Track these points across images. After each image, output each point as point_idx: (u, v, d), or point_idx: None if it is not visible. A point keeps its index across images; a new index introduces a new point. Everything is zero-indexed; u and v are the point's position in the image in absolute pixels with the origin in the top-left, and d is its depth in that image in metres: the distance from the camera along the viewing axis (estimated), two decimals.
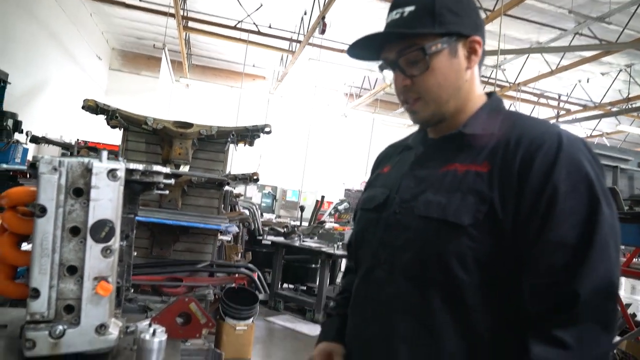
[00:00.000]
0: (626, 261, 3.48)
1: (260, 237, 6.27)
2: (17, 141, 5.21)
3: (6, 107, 5.49)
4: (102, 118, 3.92)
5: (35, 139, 5.08)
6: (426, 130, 1.03)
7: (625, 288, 6.90)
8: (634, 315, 4.40)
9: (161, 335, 1.21)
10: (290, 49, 10.14)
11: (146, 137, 3.89)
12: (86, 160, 1.19)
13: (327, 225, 7.59)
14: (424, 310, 0.86)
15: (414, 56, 0.91)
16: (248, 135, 3.84)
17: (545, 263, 0.79)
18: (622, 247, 3.56)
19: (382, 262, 0.93)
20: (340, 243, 5.90)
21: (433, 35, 0.90)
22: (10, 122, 5.18)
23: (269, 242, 6.32)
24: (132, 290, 1.53)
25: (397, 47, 0.93)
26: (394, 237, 0.92)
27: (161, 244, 4.16)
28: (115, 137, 4.56)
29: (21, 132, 5.33)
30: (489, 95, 1.00)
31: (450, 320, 0.84)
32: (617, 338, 3.09)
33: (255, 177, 3.84)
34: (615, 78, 10.56)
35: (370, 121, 13.93)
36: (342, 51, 9.55)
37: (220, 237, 4.62)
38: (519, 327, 0.81)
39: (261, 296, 4.42)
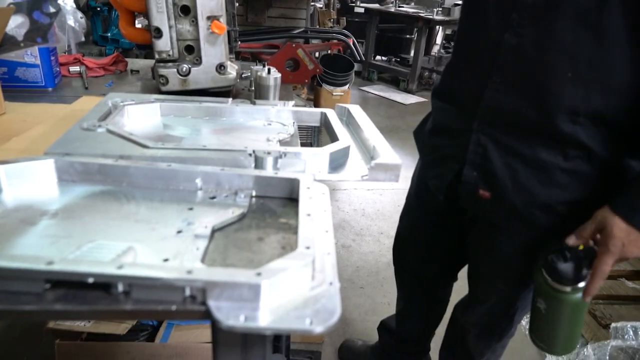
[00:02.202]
0: None
1: (353, 4, 5.92)
2: None
3: None
4: None
5: None
6: None
7: None
8: None
9: (276, 74, 1.27)
10: None
11: None
12: None
13: None
14: (595, 15, 0.73)
15: None
16: None
17: None
18: None
19: None
20: (441, 8, 5.41)
21: None
22: None
23: (362, 10, 5.97)
24: (237, 47, 1.56)
25: None
26: None
27: (255, 9, 4.11)
28: None
29: None
30: None
31: (626, 28, 0.73)
32: None
33: None
34: None
35: None
36: None
37: (312, 3, 4.42)
38: None
39: (356, 66, 4.40)
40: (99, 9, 4.12)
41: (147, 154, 0.80)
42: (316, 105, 3.94)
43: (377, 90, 5.78)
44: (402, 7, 5.87)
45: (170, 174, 0.74)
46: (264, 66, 1.32)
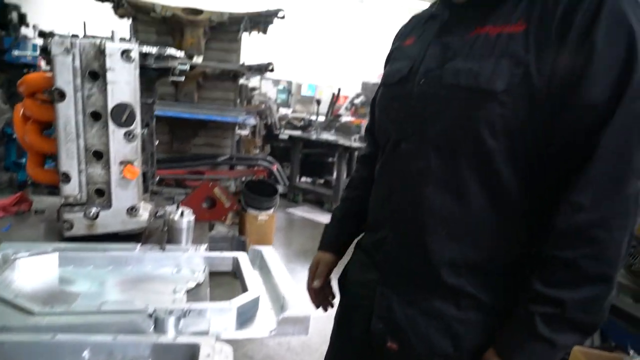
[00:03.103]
0: None
1: (278, 132, 6.29)
2: (25, 37, 5.06)
3: None
4: (109, 9, 3.74)
5: (43, 34, 4.91)
6: None
7: None
8: None
9: (189, 216, 1.26)
10: None
11: (156, 27, 3.73)
12: (98, 40, 1.14)
13: (344, 119, 7.53)
14: (454, 180, 0.84)
15: None
16: (261, 21, 3.64)
17: (569, 126, 0.75)
18: None
19: (410, 135, 0.90)
20: (358, 136, 5.89)
21: None
22: (14, 15, 4.98)
23: (287, 137, 6.34)
24: (157, 179, 1.57)
25: None
26: (421, 108, 0.88)
27: (181, 139, 4.21)
28: (124, 31, 4.39)
29: (27, 26, 5.16)
30: None
31: (481, 188, 0.83)
32: None
33: (270, 67, 3.73)
34: None
35: (389, 6, 13.07)
36: None
37: (238, 131, 4.64)
38: (548, 197, 0.80)
39: (280, 189, 4.54)
40: (14, 136, 4.02)
41: (31, 322, 0.73)
42: (241, 230, 3.92)
43: (303, 211, 5.92)
44: (323, 134, 6.33)
45: (53, 348, 0.67)
46: (177, 207, 1.31)
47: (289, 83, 12.68)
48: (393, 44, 1.10)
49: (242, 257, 1.11)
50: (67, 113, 1.18)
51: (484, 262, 0.86)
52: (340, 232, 1.22)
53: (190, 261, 1.10)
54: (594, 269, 0.75)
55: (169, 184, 3.97)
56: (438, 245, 0.87)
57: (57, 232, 1.32)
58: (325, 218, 5.64)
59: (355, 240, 1.20)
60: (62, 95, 1.17)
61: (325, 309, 1.21)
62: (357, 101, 9.17)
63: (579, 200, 0.75)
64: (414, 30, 1.02)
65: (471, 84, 0.79)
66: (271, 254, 1.15)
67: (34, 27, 5.00)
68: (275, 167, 3.96)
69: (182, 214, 1.26)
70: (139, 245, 1.12)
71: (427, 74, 0.87)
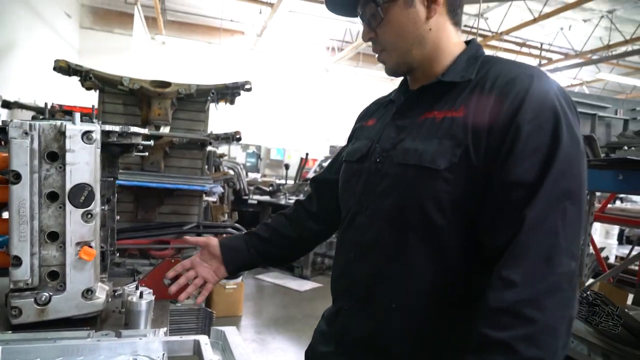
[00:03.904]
0: (601, 207, 3.57)
1: (246, 197, 6.28)
2: None
3: None
4: (76, 80, 3.77)
5: (7, 104, 4.88)
6: (407, 82, 1.04)
7: (600, 233, 7.18)
8: (607, 258, 4.59)
9: (148, 297, 1.22)
10: (269, 1, 9.80)
11: (123, 98, 3.77)
12: (59, 122, 1.14)
13: None
14: (403, 252, 0.89)
15: (371, 9, 0.95)
16: (228, 93, 3.74)
17: (499, 202, 0.80)
18: (598, 193, 3.63)
19: (365, 209, 0.97)
20: None
21: None
22: None
23: (255, 202, 6.34)
24: (119, 255, 1.53)
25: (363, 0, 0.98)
26: (375, 184, 0.95)
27: (146, 207, 4.12)
28: (91, 99, 4.43)
29: None
30: (468, 42, 1.00)
31: (428, 260, 0.87)
32: (591, 280, 3.22)
33: (237, 136, 3.78)
34: (597, 25, 10.50)
35: (353, 75, 13.74)
36: (322, 2, 9.24)
37: (205, 198, 4.60)
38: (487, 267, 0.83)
39: None
40: None
41: None
42: (208, 301, 3.78)
43: (272, 277, 5.79)
44: (292, 199, 6.36)
45: None
46: (136, 287, 1.27)
47: (258, 147, 12.88)
48: (355, 124, 1.19)
49: (204, 340, 1.07)
50: (22, 195, 1.15)
51: (436, 336, 0.87)
52: (238, 237, 1.31)
53: (148, 347, 1.04)
54: (531, 353, 0.71)
55: (133, 254, 3.84)
56: (389, 318, 0.89)
57: (4, 318, 1.24)
58: (296, 284, 5.53)
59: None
60: (17, 177, 1.15)
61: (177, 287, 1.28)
62: (325, 164, 9.35)
63: (509, 277, 0.75)
64: (375, 113, 1.13)
65: (417, 163, 0.85)
66: (234, 335, 1.12)
67: None
68: None
69: (141, 295, 1.22)
70: (91, 333, 1.06)
71: (382, 154, 0.95)
